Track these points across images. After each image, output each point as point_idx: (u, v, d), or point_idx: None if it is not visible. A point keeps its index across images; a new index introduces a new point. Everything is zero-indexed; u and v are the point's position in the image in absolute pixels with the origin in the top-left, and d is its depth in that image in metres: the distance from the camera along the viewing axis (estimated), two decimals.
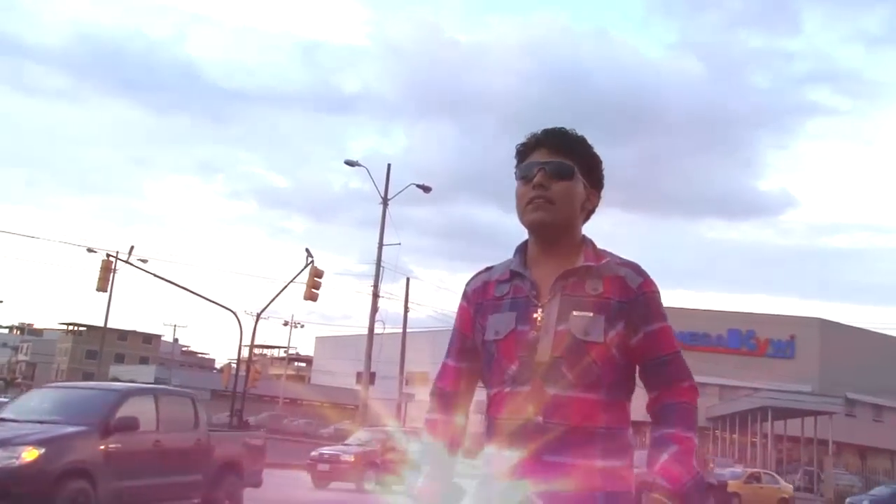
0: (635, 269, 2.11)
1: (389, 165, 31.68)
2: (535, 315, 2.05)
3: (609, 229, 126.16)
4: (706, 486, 2.05)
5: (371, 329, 31.43)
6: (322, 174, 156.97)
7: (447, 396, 2.25)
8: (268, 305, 34.92)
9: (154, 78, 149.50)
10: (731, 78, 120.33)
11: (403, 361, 35.83)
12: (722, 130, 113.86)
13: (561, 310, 2.03)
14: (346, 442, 21.96)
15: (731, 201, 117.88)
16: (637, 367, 2.12)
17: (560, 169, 2.10)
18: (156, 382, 70.42)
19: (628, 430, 2.08)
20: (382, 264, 31.46)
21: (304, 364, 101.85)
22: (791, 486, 29.60)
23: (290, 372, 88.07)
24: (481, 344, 2.14)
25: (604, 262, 2.10)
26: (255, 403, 55.54)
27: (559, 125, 2.19)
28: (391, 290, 36.38)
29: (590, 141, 2.21)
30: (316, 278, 27.81)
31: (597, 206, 2.21)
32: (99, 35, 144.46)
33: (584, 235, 2.18)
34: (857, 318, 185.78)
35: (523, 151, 2.18)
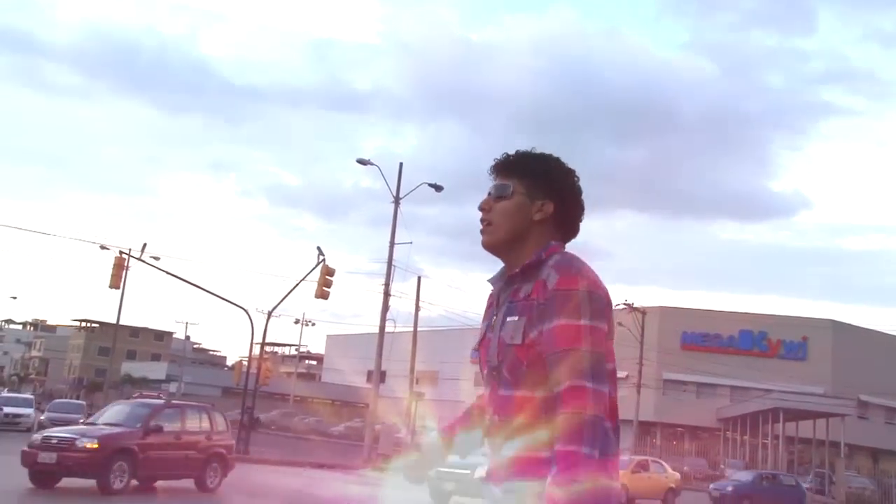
0: (558, 268, 2.13)
1: (401, 164, 31.68)
2: (492, 324, 2.29)
3: (623, 230, 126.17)
4: (604, 493, 1.90)
5: (382, 328, 31.44)
6: (333, 173, 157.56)
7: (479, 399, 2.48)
8: (279, 303, 34.94)
9: (166, 76, 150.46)
10: (744, 77, 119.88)
11: (414, 360, 35.83)
12: (735, 131, 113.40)
13: (502, 317, 2.23)
14: (89, 420, 16.29)
15: (745, 202, 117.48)
16: None
17: (497, 189, 2.31)
18: (167, 379, 70.81)
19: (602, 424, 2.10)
20: (394, 263, 31.49)
21: (314, 362, 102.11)
22: (678, 474, 27.92)
23: (301, 370, 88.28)
24: None
25: (536, 261, 2.19)
26: (265, 401, 55.66)
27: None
28: (402, 289, 36.26)
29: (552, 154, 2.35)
30: (327, 277, 27.84)
31: (549, 212, 2.27)
32: (112, 33, 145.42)
33: (550, 242, 2.26)
34: (871, 319, 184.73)
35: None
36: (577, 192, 2.32)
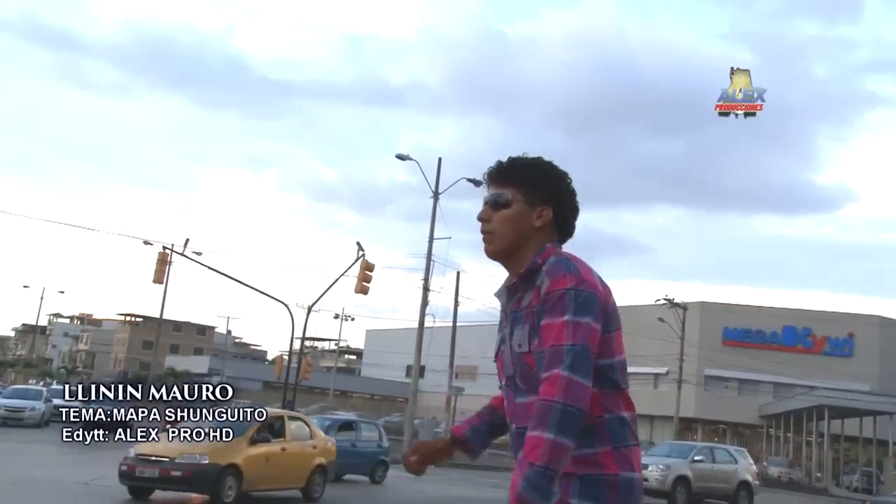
0: (550, 273, 2.18)
1: (440, 159, 31.66)
2: (503, 334, 2.32)
3: (663, 224, 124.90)
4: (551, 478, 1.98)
5: (421, 323, 31.53)
6: (370, 167, 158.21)
7: (496, 400, 2.55)
8: (319, 298, 35.26)
9: (203, 72, 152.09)
10: (786, 68, 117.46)
11: (453, 355, 35.87)
12: (778, 122, 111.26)
13: (511, 327, 2.27)
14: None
15: (788, 195, 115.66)
16: None
17: (494, 199, 2.33)
18: (209, 373, 71.75)
19: (600, 417, 2.15)
20: (433, 258, 31.55)
21: (354, 357, 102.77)
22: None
23: (341, 364, 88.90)
24: None
25: (533, 269, 2.23)
26: (306, 395, 56.21)
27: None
28: (441, 284, 36.46)
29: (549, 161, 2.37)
30: (367, 272, 28.02)
31: (548, 218, 2.31)
32: (150, 30, 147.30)
33: (547, 246, 2.28)
34: None
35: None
36: (573, 194, 2.36)
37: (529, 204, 2.30)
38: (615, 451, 2.16)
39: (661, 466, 20.88)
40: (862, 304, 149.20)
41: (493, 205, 2.32)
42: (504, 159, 2.36)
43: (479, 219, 2.34)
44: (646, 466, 19.29)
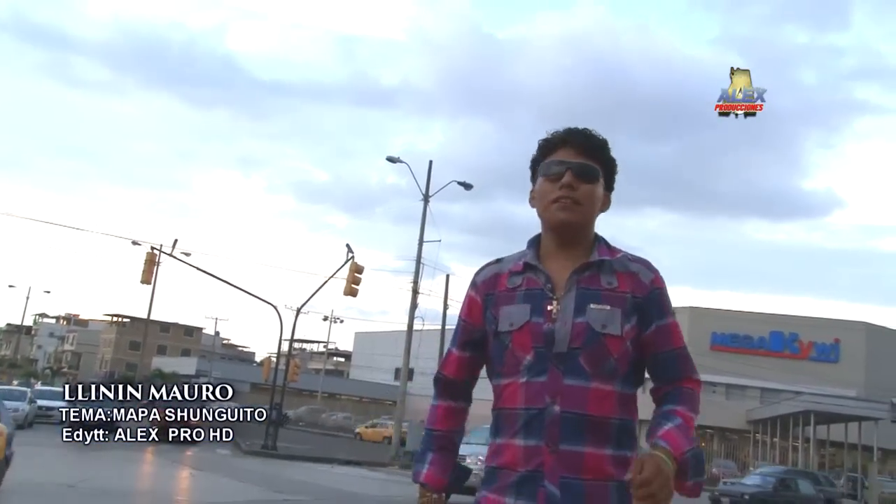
0: (646, 265, 2.16)
1: (431, 162, 31.73)
2: (549, 307, 2.07)
3: (653, 228, 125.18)
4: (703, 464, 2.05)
5: (410, 325, 31.51)
6: (360, 169, 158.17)
7: (451, 384, 2.30)
8: (308, 300, 35.24)
9: (194, 71, 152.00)
10: (776, 74, 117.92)
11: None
12: (766, 128, 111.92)
13: (578, 303, 2.06)
14: None
15: (777, 201, 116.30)
16: (647, 361, 2.16)
17: (587, 171, 2.14)
18: (197, 374, 71.46)
19: (636, 421, 2.12)
20: (422, 261, 31.53)
21: (343, 359, 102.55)
22: None
23: (329, 366, 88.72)
24: (493, 335, 2.15)
25: (618, 256, 2.15)
26: (294, 397, 56.08)
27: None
28: (430, 287, 36.36)
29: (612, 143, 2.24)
30: (356, 274, 27.97)
31: (608, 209, 2.25)
32: (140, 28, 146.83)
33: (596, 233, 2.22)
34: None
35: (546, 148, 2.21)
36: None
37: (605, 188, 2.20)
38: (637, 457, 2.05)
39: None
40: (848, 311, 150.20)
41: (581, 174, 2.13)
42: (590, 130, 2.19)
43: (566, 184, 2.11)
44: None
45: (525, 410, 2.03)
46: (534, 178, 2.23)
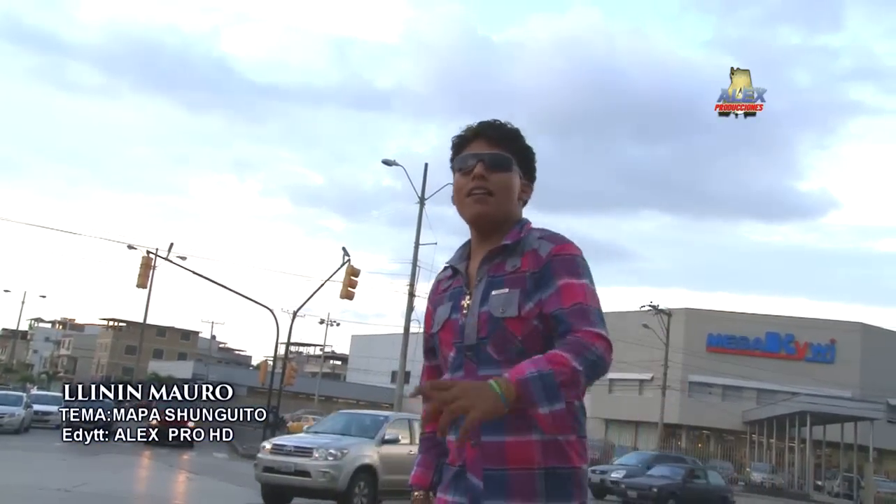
0: (551, 238, 2.10)
1: (427, 165, 31.68)
2: (463, 302, 2.12)
3: (648, 230, 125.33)
4: (572, 385, 1.82)
5: (407, 328, 31.50)
6: (355, 172, 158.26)
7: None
8: (304, 304, 35.21)
9: (188, 75, 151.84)
10: (770, 75, 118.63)
11: None
12: (761, 130, 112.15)
13: (484, 292, 2.08)
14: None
15: (772, 202, 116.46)
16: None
17: (498, 160, 2.13)
18: (193, 378, 71.35)
19: (574, 402, 2.00)
20: (418, 264, 31.53)
21: (339, 362, 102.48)
22: None
23: (326, 370, 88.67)
24: (431, 338, 2.24)
25: (523, 237, 2.12)
26: (290, 400, 56.03)
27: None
28: (426, 290, 36.30)
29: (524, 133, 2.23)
30: (352, 277, 27.97)
31: (530, 197, 2.23)
32: (134, 32, 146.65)
33: (522, 219, 2.19)
34: None
35: (460, 143, 2.21)
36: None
37: (519, 176, 2.18)
38: (580, 441, 2.02)
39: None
40: (844, 311, 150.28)
41: (492, 164, 2.12)
42: (501, 121, 2.18)
43: (478, 174, 2.11)
44: None
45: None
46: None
